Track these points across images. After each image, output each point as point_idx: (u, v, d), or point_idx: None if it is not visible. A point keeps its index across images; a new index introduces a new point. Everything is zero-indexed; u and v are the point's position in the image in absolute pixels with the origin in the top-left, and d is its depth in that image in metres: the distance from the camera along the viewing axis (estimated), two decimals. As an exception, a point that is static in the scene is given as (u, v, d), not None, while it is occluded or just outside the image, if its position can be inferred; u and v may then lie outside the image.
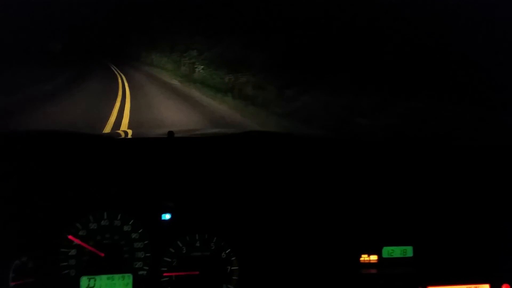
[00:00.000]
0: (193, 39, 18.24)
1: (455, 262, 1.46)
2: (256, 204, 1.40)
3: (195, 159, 1.45)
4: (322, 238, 1.41)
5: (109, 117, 8.31)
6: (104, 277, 1.29)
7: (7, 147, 1.37)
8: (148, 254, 1.33)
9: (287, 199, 1.42)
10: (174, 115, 8.84)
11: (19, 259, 1.25)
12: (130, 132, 2.85)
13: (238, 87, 11.68)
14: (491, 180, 1.51)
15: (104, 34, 38.73)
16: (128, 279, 1.31)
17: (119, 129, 6.86)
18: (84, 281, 1.28)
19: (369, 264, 1.44)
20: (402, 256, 1.45)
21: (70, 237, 1.29)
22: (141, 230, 1.34)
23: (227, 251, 1.37)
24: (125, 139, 1.79)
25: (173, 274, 1.33)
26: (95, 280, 1.29)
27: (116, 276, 1.30)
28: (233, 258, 1.37)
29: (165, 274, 1.33)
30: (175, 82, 16.67)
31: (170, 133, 1.52)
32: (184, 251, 1.35)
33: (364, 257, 1.44)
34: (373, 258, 1.44)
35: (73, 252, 1.29)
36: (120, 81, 16.67)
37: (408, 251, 1.46)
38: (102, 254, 1.30)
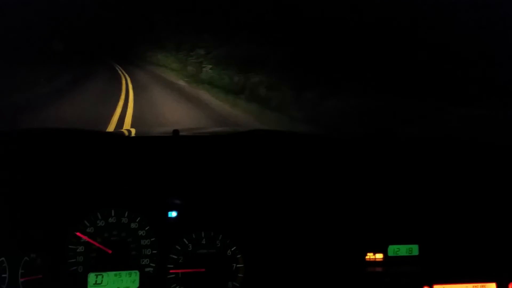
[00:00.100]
0: (200, 37, 17.32)
1: (461, 261, 1.45)
2: (262, 202, 1.41)
3: (200, 157, 1.46)
4: (327, 236, 1.42)
5: (112, 117, 8.24)
6: (111, 273, 1.31)
7: (15, 145, 1.39)
8: (155, 251, 1.34)
9: (293, 197, 1.43)
10: (180, 118, 8.42)
11: (28, 256, 1.26)
12: (133, 130, 2.86)
13: (250, 87, 10.80)
14: (497, 179, 1.51)
15: (108, 33, 38.71)
16: (135, 275, 1.32)
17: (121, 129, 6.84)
18: (91, 277, 1.30)
19: (374, 263, 1.44)
20: (407, 254, 1.45)
21: (78, 234, 1.31)
22: (148, 227, 1.35)
23: (232, 249, 1.38)
24: (132, 137, 1.81)
25: (179, 271, 1.34)
26: (102, 277, 1.31)
27: (123, 272, 1.32)
28: (238, 256, 1.38)
29: (171, 271, 1.34)
30: (181, 82, 16.16)
31: (175, 131, 1.53)
32: (190, 249, 1.36)
33: (370, 256, 1.44)
34: (379, 256, 1.44)
35: (81, 249, 1.31)
36: (124, 81, 16.48)
37: (414, 249, 1.46)
38: (110, 251, 1.32)
